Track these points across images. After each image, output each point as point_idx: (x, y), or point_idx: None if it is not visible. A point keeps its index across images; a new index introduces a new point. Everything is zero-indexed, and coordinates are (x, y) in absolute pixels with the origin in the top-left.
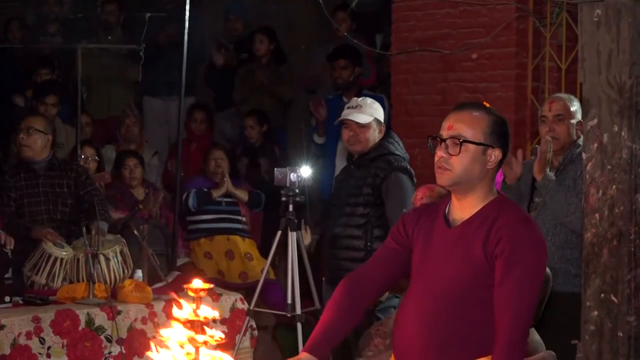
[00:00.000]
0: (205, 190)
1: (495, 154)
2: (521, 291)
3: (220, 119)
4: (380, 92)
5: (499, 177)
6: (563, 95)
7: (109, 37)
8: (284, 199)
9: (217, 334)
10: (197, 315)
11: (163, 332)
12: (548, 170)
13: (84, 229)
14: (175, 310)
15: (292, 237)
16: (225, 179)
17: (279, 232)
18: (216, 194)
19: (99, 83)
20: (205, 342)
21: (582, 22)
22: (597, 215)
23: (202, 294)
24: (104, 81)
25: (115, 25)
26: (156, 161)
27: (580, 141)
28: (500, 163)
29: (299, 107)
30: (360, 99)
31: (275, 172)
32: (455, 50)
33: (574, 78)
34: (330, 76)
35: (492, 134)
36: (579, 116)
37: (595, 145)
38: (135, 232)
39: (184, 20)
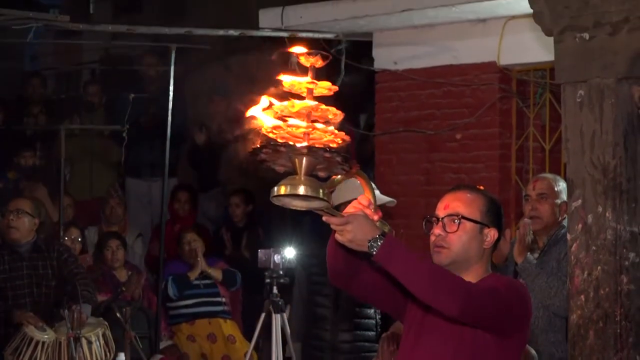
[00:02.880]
0: (182, 274)
1: (491, 234)
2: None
3: (204, 200)
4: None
5: None
6: (548, 175)
7: (91, 119)
8: (268, 280)
9: None
10: None
11: None
12: (528, 253)
13: (66, 311)
14: None
15: (277, 319)
16: (198, 258)
17: (263, 314)
18: (193, 275)
19: (82, 164)
20: None
21: (565, 102)
22: (582, 296)
23: None
24: (87, 162)
25: (99, 106)
26: (139, 243)
27: (565, 222)
28: (496, 244)
29: None
30: None
31: (259, 253)
32: (439, 131)
33: (558, 158)
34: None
35: (488, 213)
36: (564, 196)
37: (580, 226)
38: (118, 314)
39: (167, 101)
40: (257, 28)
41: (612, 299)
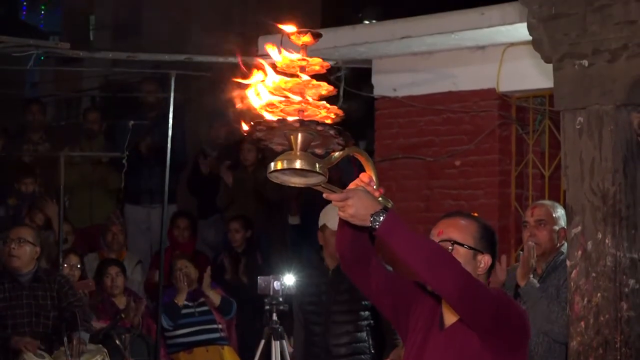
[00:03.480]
0: (170, 302)
1: (485, 260)
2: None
3: (204, 227)
4: None
5: None
6: (546, 201)
7: (91, 145)
8: (267, 307)
9: None
10: None
11: None
12: (531, 276)
13: (65, 338)
14: None
15: (276, 346)
16: (184, 284)
17: (262, 341)
18: (179, 300)
19: (81, 191)
20: None
21: (564, 129)
22: (582, 323)
23: None
24: (86, 189)
25: (98, 133)
26: (139, 270)
27: (564, 248)
28: (490, 270)
29: (283, 213)
30: None
31: (258, 280)
32: (439, 158)
33: (558, 185)
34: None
35: (481, 239)
36: (562, 223)
37: (580, 252)
38: (117, 341)
39: (167, 128)
40: (257, 55)
41: (612, 325)
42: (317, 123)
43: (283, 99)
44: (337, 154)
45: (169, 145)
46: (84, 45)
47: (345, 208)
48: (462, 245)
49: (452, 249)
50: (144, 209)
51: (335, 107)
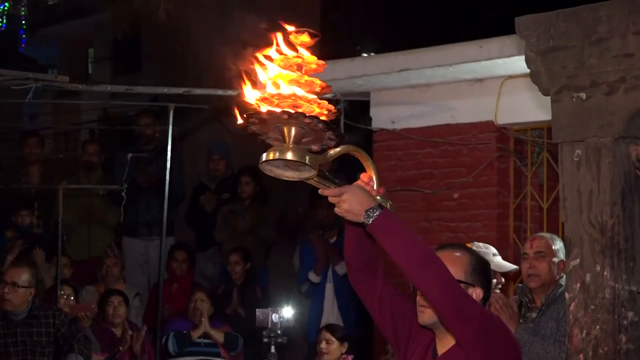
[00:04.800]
0: (185, 332)
1: (476, 293)
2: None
3: (202, 259)
4: None
5: None
6: (545, 234)
7: (89, 178)
8: (265, 340)
9: None
10: None
11: None
12: (521, 321)
13: None
14: None
15: None
16: (203, 319)
17: None
18: (195, 335)
19: (79, 224)
20: None
21: (562, 161)
22: (581, 356)
23: None
24: (84, 222)
25: (97, 166)
26: (137, 302)
27: (563, 281)
28: (483, 303)
29: (282, 246)
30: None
31: (257, 313)
32: (437, 190)
33: (556, 217)
34: (312, 216)
35: (473, 273)
36: (561, 255)
37: (578, 285)
38: None
39: (166, 161)
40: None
41: (611, 358)
42: (305, 115)
43: (276, 92)
44: (333, 150)
45: (167, 177)
46: (83, 78)
47: (340, 203)
48: None
49: None
50: (141, 242)
51: (328, 103)
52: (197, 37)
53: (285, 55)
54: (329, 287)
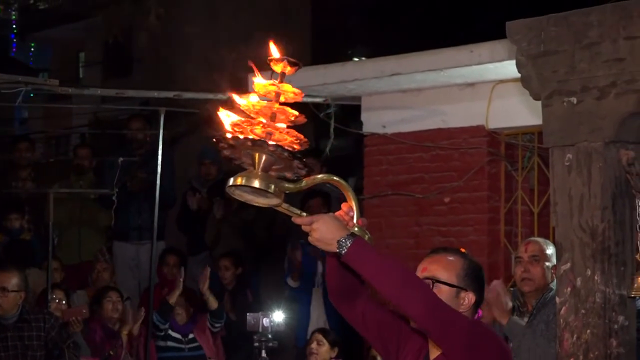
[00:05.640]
0: (162, 300)
1: (468, 297)
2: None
3: (193, 263)
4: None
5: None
6: (539, 239)
7: (81, 182)
8: (256, 344)
9: None
10: None
11: None
12: (515, 316)
13: None
14: None
15: None
16: (180, 280)
17: None
18: (171, 299)
19: (70, 228)
20: None
21: (553, 166)
22: None
23: None
24: (75, 226)
25: (88, 170)
26: (128, 307)
27: (554, 285)
28: (475, 307)
29: (274, 251)
30: None
31: (247, 317)
32: (428, 195)
33: (547, 222)
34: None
35: (465, 277)
36: (554, 260)
37: (569, 289)
38: None
39: (156, 165)
40: (247, 92)
41: None
42: (268, 143)
43: (248, 119)
44: (309, 178)
45: (158, 182)
46: (74, 83)
47: (311, 232)
48: (443, 283)
49: (434, 287)
50: (132, 246)
51: (302, 135)
52: (187, 41)
53: (263, 83)
54: (317, 292)
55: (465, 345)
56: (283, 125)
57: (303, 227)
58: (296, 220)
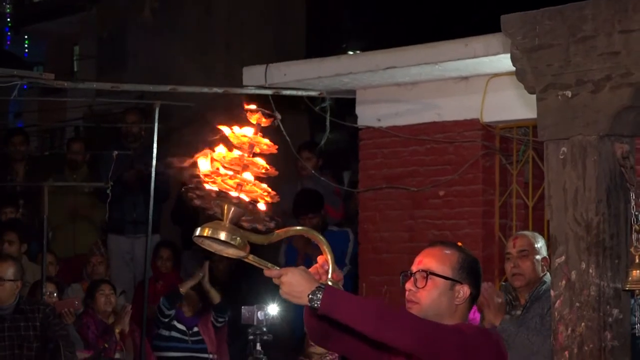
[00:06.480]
0: (174, 288)
1: (463, 290)
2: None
3: (188, 257)
4: (345, 227)
5: (476, 315)
6: (527, 232)
7: (75, 176)
8: (251, 337)
9: None
10: None
11: None
12: (507, 315)
13: None
14: None
15: None
16: (201, 274)
17: None
18: (182, 288)
19: (65, 221)
20: None
21: (548, 159)
22: (566, 353)
23: None
24: (70, 219)
25: (82, 164)
26: (123, 300)
27: (546, 278)
28: (471, 300)
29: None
30: None
31: (242, 310)
32: (423, 188)
33: (541, 215)
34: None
35: (461, 270)
36: (543, 252)
37: (564, 282)
38: None
39: (151, 158)
40: (241, 86)
41: (597, 355)
42: (232, 196)
43: (220, 170)
44: (282, 230)
45: (152, 175)
46: (68, 76)
47: (281, 285)
48: (438, 275)
49: (428, 279)
50: (127, 239)
51: (271, 190)
52: (182, 35)
53: (237, 133)
54: None
55: (460, 351)
56: (250, 178)
57: (273, 280)
58: (265, 272)
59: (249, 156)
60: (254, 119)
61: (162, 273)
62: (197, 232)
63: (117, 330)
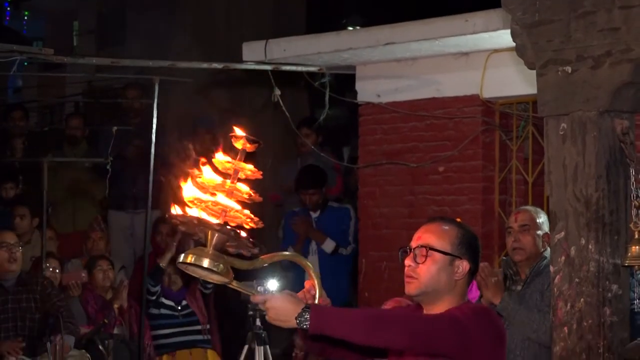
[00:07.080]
0: (154, 265)
1: (462, 265)
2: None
3: None
4: (346, 203)
5: (475, 293)
6: (529, 207)
7: (74, 151)
8: (250, 312)
9: None
10: None
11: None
12: (506, 293)
13: (48, 344)
14: None
15: (260, 351)
16: (174, 244)
17: (246, 347)
18: (162, 261)
19: (65, 197)
20: None
21: (548, 135)
22: (565, 328)
23: None
24: (70, 195)
25: (82, 139)
26: (123, 275)
27: (547, 253)
28: (470, 276)
29: (268, 217)
30: None
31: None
32: (422, 164)
33: (541, 191)
34: (299, 199)
35: (460, 246)
36: (545, 228)
37: (563, 258)
38: (100, 347)
39: (151, 134)
40: (241, 61)
41: (595, 331)
42: (213, 223)
43: (203, 196)
44: (267, 256)
45: (152, 151)
46: (68, 51)
47: (267, 311)
48: (437, 251)
49: (427, 255)
50: (127, 215)
51: (257, 218)
52: (181, 10)
53: (221, 159)
54: (313, 260)
55: (455, 342)
56: (233, 204)
57: (259, 305)
58: (252, 298)
59: (232, 182)
60: (239, 144)
61: (162, 248)
62: (181, 258)
63: (115, 306)
